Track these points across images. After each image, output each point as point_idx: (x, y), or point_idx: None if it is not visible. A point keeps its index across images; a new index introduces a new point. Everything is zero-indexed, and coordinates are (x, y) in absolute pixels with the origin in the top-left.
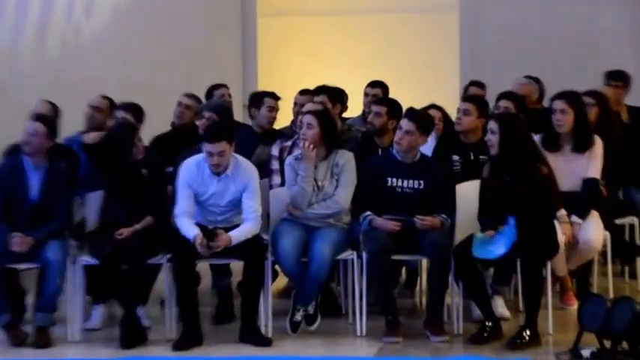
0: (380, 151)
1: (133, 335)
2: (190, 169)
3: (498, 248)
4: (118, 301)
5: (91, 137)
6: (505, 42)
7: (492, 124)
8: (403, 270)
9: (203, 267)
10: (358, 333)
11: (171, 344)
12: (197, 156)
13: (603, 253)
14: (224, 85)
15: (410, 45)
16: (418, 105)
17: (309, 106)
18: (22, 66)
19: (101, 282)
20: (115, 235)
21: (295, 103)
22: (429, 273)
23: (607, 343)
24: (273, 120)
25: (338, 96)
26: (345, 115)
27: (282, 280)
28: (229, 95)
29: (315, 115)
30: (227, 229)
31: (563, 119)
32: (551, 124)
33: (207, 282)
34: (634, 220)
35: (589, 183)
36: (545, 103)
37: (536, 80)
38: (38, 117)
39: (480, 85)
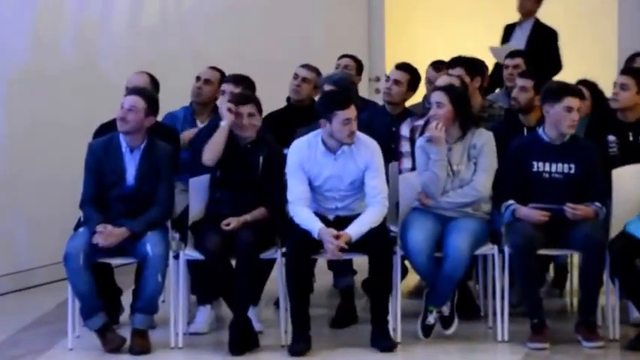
0: (525, 130)
1: (243, 340)
2: (301, 150)
3: None
4: (226, 302)
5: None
6: None
7: None
8: (551, 267)
9: (321, 264)
10: (499, 338)
11: (286, 350)
12: (308, 135)
13: None
14: (349, 56)
15: (556, 10)
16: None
17: (441, 81)
18: (115, 35)
19: (207, 279)
20: (222, 226)
21: (428, 79)
22: (581, 270)
23: None
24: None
25: (477, 68)
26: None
27: (412, 278)
28: (356, 68)
29: (446, 92)
30: (349, 219)
31: None
32: None
33: (327, 280)
34: None
35: None
36: None
37: None
38: (136, 90)
39: None
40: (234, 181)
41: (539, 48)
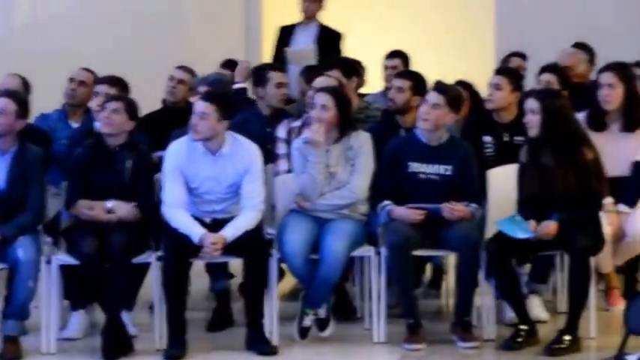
0: (403, 131)
1: (116, 345)
2: (180, 151)
3: (525, 233)
4: (100, 306)
5: None
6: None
7: (532, 103)
8: (427, 267)
9: (198, 266)
10: (376, 339)
11: (161, 354)
12: (188, 136)
13: None
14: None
15: (437, 11)
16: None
17: (321, 82)
18: None
19: (82, 284)
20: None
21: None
22: (456, 270)
23: None
24: (284, 97)
25: (353, 68)
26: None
27: (289, 281)
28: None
29: (332, 94)
30: (227, 222)
31: (611, 94)
32: (597, 100)
33: (203, 284)
34: None
35: (638, 166)
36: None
37: (587, 49)
38: (7, 93)
39: (522, 55)
40: (103, 185)
41: (327, 49)
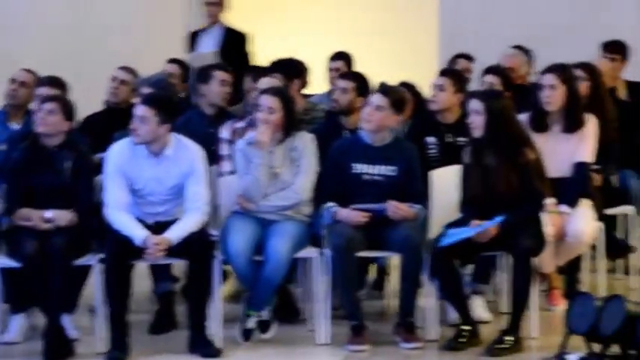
0: (346, 133)
1: (57, 348)
2: (122, 152)
3: (470, 231)
4: (41, 309)
5: None
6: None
7: (476, 104)
8: (371, 268)
9: (141, 269)
10: (319, 341)
11: (102, 357)
12: (130, 137)
13: (594, 247)
14: (177, 62)
15: (380, 12)
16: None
17: (265, 83)
18: None
19: (21, 287)
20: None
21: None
22: (400, 271)
23: (596, 347)
24: (227, 95)
25: (295, 70)
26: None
27: (233, 283)
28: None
29: (278, 96)
30: (170, 224)
31: (553, 96)
32: (538, 101)
33: (146, 286)
34: (629, 209)
35: (579, 167)
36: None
37: (525, 50)
38: None
39: (468, 57)
40: (43, 186)
41: (232, 50)
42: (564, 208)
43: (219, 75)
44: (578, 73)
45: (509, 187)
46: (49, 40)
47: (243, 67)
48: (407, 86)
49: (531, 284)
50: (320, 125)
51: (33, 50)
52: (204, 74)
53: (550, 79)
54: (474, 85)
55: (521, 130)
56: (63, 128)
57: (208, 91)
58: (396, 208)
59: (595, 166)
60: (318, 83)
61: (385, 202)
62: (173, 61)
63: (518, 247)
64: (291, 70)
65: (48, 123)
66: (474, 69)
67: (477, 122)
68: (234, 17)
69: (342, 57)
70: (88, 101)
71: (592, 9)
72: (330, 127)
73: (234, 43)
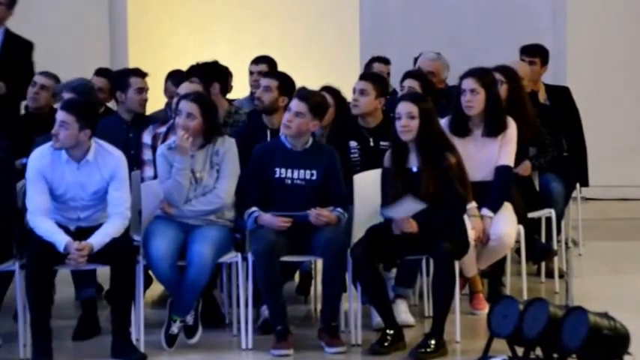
0: (269, 132)
1: None
2: (43, 158)
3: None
4: None
5: None
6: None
7: (411, 107)
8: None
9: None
10: (244, 346)
11: None
12: (51, 142)
13: (517, 250)
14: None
15: (304, 15)
16: (312, 85)
17: (184, 88)
18: None
19: None
20: None
21: (166, 90)
22: (323, 275)
23: (519, 350)
24: (144, 102)
25: (215, 73)
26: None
27: (156, 288)
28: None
29: (197, 102)
30: (91, 229)
31: (474, 100)
32: (459, 105)
33: (69, 292)
34: (551, 212)
35: (501, 171)
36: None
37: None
38: None
39: (385, 60)
40: None
41: (13, 58)
42: (486, 211)
43: (136, 82)
44: (498, 76)
45: (432, 191)
46: None
47: (26, 76)
48: (330, 90)
49: (453, 287)
50: (243, 126)
51: None
52: (120, 82)
53: (471, 83)
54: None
55: (443, 134)
56: None
57: (125, 99)
58: (317, 215)
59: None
60: (240, 88)
61: (307, 207)
62: (99, 72)
63: (439, 250)
64: (212, 73)
65: None
66: (392, 72)
67: (412, 126)
68: (151, 23)
69: (265, 60)
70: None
71: (508, 12)
72: (254, 127)
73: (16, 49)
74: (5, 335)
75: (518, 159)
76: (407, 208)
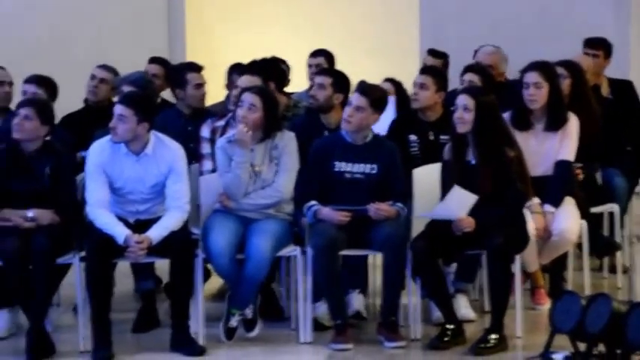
0: (326, 131)
1: (40, 348)
2: (103, 151)
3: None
4: (23, 309)
5: None
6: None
7: (467, 100)
8: None
9: (123, 267)
10: (302, 340)
11: (85, 356)
12: (110, 135)
13: (579, 245)
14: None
15: (364, 8)
16: (371, 79)
17: (245, 81)
18: None
19: (3, 284)
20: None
21: (230, 82)
22: (383, 270)
23: (582, 346)
24: (203, 97)
25: (275, 70)
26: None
27: (215, 281)
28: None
29: (260, 95)
30: (150, 222)
31: (538, 94)
32: (522, 99)
33: (128, 285)
34: (614, 207)
35: (561, 166)
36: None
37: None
38: None
39: (440, 54)
40: (21, 191)
41: None
42: (548, 207)
43: (194, 78)
44: (560, 70)
45: (490, 185)
46: (33, 37)
47: None
48: (392, 82)
49: (508, 282)
50: (300, 121)
51: (13, 48)
52: (178, 79)
53: (535, 76)
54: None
55: (504, 128)
56: (40, 133)
57: (185, 95)
58: (376, 209)
59: (577, 164)
60: (299, 80)
61: (366, 201)
62: (154, 60)
63: (492, 244)
64: (271, 70)
65: (24, 129)
66: (451, 66)
67: (466, 118)
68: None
69: (322, 54)
70: (69, 99)
71: (568, 3)
72: (311, 125)
73: None
74: (65, 328)
75: (587, 155)
76: (460, 204)
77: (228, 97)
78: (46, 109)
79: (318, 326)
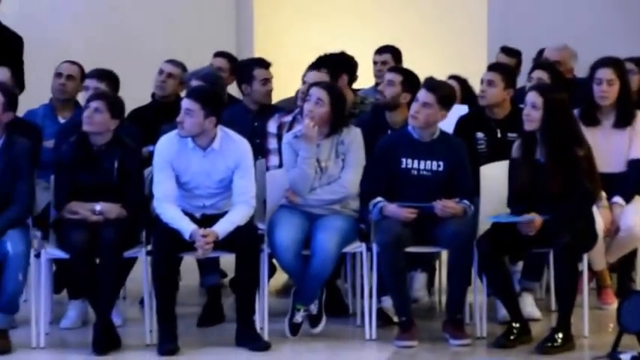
0: (390, 131)
1: (106, 342)
2: (170, 145)
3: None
4: (90, 303)
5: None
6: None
7: (535, 97)
8: None
9: (189, 261)
10: (367, 336)
11: (151, 349)
12: (177, 130)
13: None
14: (224, 55)
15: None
16: (438, 75)
17: (312, 77)
18: None
19: (72, 277)
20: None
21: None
22: (448, 268)
23: None
24: (270, 92)
25: (343, 65)
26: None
27: (280, 276)
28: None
29: (327, 90)
30: (217, 217)
31: (610, 90)
32: (592, 95)
33: (194, 279)
34: None
35: (634, 165)
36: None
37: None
38: None
39: (514, 52)
40: (89, 185)
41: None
42: (618, 199)
43: (261, 74)
44: (630, 66)
45: (558, 184)
46: (100, 32)
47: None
48: (457, 80)
49: (575, 281)
50: (366, 119)
51: (80, 42)
52: (245, 74)
53: (608, 73)
54: (520, 81)
55: (574, 126)
56: (110, 126)
57: (251, 91)
58: (443, 206)
59: None
60: (364, 77)
61: (433, 198)
62: (220, 54)
63: (559, 243)
64: (341, 64)
65: (94, 122)
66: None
67: (533, 116)
68: (276, 9)
69: (389, 50)
70: (136, 94)
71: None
72: (376, 122)
73: (5, 42)
74: (132, 321)
75: None
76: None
77: (297, 93)
78: (116, 102)
79: (383, 316)
